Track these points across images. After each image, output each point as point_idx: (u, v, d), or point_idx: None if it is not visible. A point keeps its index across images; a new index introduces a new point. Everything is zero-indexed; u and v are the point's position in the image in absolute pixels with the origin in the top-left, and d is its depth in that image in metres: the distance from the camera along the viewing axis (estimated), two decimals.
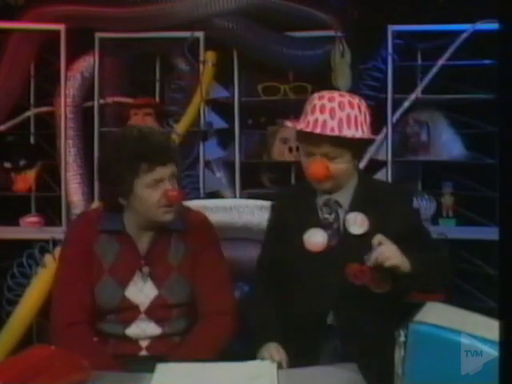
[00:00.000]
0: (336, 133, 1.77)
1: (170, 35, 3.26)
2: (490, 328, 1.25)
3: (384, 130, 3.18)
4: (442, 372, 1.25)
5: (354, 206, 1.87)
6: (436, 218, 3.25)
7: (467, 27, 3.07)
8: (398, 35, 3.16)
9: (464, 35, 3.07)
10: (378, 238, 1.68)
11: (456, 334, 1.25)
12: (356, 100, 1.82)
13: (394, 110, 3.16)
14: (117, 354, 1.88)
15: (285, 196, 2.06)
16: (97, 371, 1.61)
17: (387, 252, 1.66)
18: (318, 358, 1.81)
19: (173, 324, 1.91)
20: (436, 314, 1.36)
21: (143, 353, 1.89)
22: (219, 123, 3.33)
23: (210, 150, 3.34)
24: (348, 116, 1.78)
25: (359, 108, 1.81)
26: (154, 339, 1.90)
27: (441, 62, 3.12)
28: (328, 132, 1.77)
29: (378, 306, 1.81)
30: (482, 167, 3.11)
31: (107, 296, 1.89)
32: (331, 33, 3.16)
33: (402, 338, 1.28)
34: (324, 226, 1.86)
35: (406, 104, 3.18)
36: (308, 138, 1.81)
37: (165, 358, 1.78)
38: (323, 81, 3.14)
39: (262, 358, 1.75)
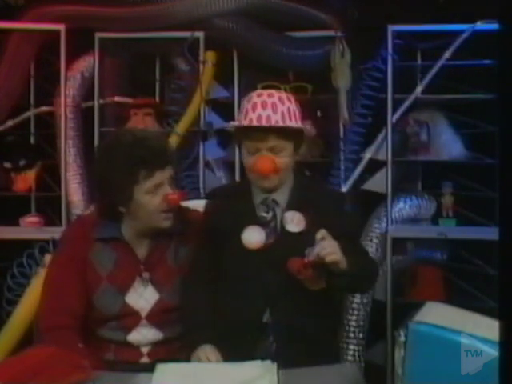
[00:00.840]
0: (281, 125, 1.81)
1: (170, 35, 3.25)
2: (490, 328, 1.25)
3: (384, 130, 3.18)
4: (442, 372, 1.25)
5: (291, 205, 1.90)
6: (436, 218, 3.25)
7: (467, 27, 3.06)
8: (398, 35, 3.15)
9: (464, 35, 3.07)
10: (322, 233, 1.72)
11: (456, 334, 1.25)
12: (290, 95, 1.90)
13: (394, 110, 3.16)
14: (118, 360, 1.88)
15: (219, 195, 2.06)
16: (97, 371, 1.62)
17: (329, 247, 1.70)
18: (253, 357, 1.78)
19: (174, 328, 1.91)
20: (436, 314, 1.36)
21: (144, 359, 1.90)
22: (219, 123, 3.33)
23: (209, 150, 3.33)
24: (288, 109, 1.85)
25: (294, 102, 1.88)
26: (155, 345, 1.90)
27: (441, 62, 3.12)
28: (273, 124, 1.81)
29: (313, 305, 1.84)
30: (482, 167, 3.11)
31: (107, 303, 1.88)
32: (331, 33, 3.15)
33: (402, 338, 1.28)
34: (261, 224, 1.87)
35: (406, 104, 3.18)
36: (252, 135, 1.83)
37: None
38: (323, 81, 3.14)
39: (199, 360, 1.76)
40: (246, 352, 1.81)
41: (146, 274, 1.90)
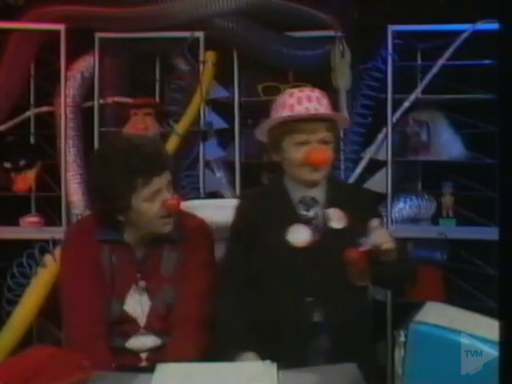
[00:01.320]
0: (332, 114, 1.90)
1: (170, 35, 3.25)
2: (490, 328, 1.25)
3: (384, 129, 3.18)
4: (442, 372, 1.25)
5: (330, 202, 1.92)
6: (436, 218, 3.25)
7: (467, 27, 3.06)
8: (398, 35, 3.15)
9: (464, 35, 3.07)
10: (375, 222, 1.73)
11: (456, 334, 1.25)
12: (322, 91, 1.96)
13: (394, 110, 3.16)
14: (118, 364, 1.87)
15: (253, 197, 2.05)
16: (97, 371, 1.62)
17: (384, 235, 1.72)
18: (306, 358, 1.81)
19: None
20: (436, 314, 1.36)
21: (143, 364, 1.89)
22: (219, 123, 3.33)
23: (209, 150, 3.33)
24: (328, 103, 1.92)
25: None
26: (155, 350, 1.89)
27: (441, 61, 3.12)
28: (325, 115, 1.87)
29: (357, 302, 1.89)
30: (482, 167, 3.11)
31: (109, 309, 1.88)
32: (331, 33, 3.16)
33: (402, 338, 1.28)
34: (305, 222, 1.89)
35: (406, 104, 3.18)
36: (302, 127, 1.85)
37: None
38: (323, 81, 3.14)
39: None
40: (297, 353, 1.82)
41: (142, 283, 1.89)
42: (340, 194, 1.95)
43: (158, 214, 1.81)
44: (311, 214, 1.90)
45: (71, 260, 1.93)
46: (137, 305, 1.89)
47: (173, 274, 1.91)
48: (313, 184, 1.92)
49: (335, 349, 1.84)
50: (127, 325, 1.88)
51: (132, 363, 1.88)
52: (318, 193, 1.93)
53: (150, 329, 1.89)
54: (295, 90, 1.92)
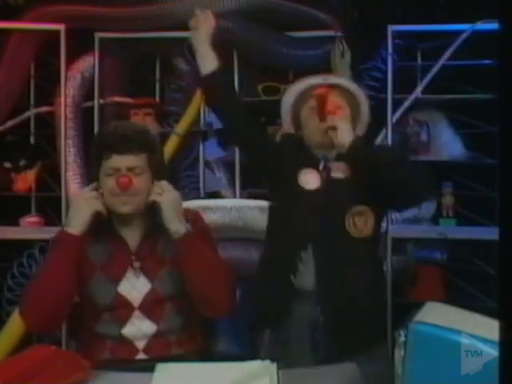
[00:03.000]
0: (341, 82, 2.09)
1: (170, 35, 3.25)
2: (490, 328, 1.25)
3: (384, 130, 3.18)
4: (442, 372, 1.25)
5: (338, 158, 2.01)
6: (436, 218, 3.25)
7: (467, 27, 3.07)
8: (397, 35, 3.15)
9: (464, 35, 3.07)
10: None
11: (456, 334, 1.25)
12: None
13: (394, 110, 3.16)
14: (114, 358, 1.88)
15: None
16: (97, 371, 1.62)
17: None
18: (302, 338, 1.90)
19: (168, 320, 1.91)
20: (436, 314, 1.36)
21: (141, 356, 1.88)
22: (219, 123, 3.33)
23: (209, 150, 3.34)
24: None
25: None
26: (151, 339, 1.89)
27: (441, 62, 3.12)
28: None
29: (356, 256, 1.93)
30: (481, 167, 3.11)
31: (100, 293, 1.89)
32: (331, 33, 3.16)
33: (402, 338, 1.28)
34: (315, 169, 2.00)
35: (406, 104, 3.18)
36: (315, 93, 2.00)
37: (162, 361, 1.77)
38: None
39: None
40: (291, 327, 1.92)
41: (136, 264, 1.91)
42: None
43: (113, 190, 1.85)
44: (321, 168, 2.00)
45: (48, 252, 2.02)
46: (132, 287, 1.89)
47: (173, 256, 1.91)
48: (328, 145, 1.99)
49: (327, 301, 1.89)
50: (122, 309, 1.89)
51: (129, 355, 1.88)
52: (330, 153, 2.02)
53: (144, 312, 1.89)
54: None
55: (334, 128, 1.92)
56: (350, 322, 1.88)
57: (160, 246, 1.94)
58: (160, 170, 1.92)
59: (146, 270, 1.91)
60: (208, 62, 2.06)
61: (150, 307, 1.89)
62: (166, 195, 1.86)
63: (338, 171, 1.97)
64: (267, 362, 1.69)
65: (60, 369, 1.53)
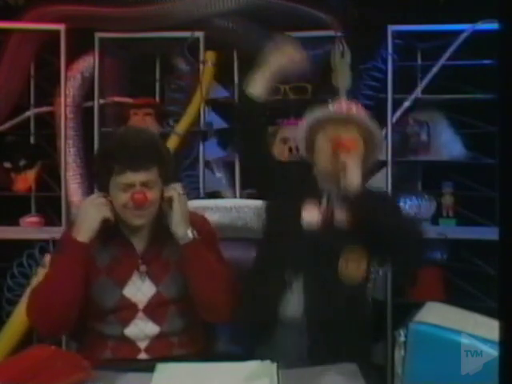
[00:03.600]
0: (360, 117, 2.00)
1: (170, 35, 3.25)
2: (490, 328, 1.25)
3: (384, 130, 3.18)
4: (442, 372, 1.25)
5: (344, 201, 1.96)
6: (436, 218, 3.25)
7: (467, 27, 3.07)
8: (397, 35, 3.16)
9: (464, 35, 3.07)
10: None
11: (456, 334, 1.25)
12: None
13: (394, 110, 3.16)
14: (116, 357, 1.88)
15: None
16: (97, 371, 1.62)
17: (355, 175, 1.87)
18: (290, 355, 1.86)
19: (170, 322, 1.92)
20: (436, 314, 1.36)
21: (142, 356, 1.89)
22: (219, 123, 3.33)
23: (209, 150, 3.33)
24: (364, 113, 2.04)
25: None
26: (153, 340, 1.90)
27: (441, 62, 3.12)
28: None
29: (347, 299, 1.89)
30: (481, 167, 3.11)
31: (104, 296, 1.90)
32: (331, 33, 3.15)
33: (402, 338, 1.28)
34: (318, 208, 1.96)
35: (406, 104, 3.18)
36: (335, 124, 1.97)
37: (163, 361, 1.78)
38: (323, 81, 3.14)
39: None
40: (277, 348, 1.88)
41: (143, 267, 1.91)
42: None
43: (126, 205, 1.85)
44: (323, 205, 1.96)
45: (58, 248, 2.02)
46: (137, 291, 1.90)
47: (179, 259, 1.92)
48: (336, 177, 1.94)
49: (316, 347, 1.86)
50: (126, 310, 1.89)
51: (130, 354, 1.89)
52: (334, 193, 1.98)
53: (148, 314, 1.90)
54: (344, 101, 2.09)
55: (344, 165, 1.89)
56: (337, 350, 1.85)
57: (166, 251, 1.95)
58: (169, 176, 1.93)
59: (152, 273, 1.92)
60: (261, 88, 2.01)
61: (153, 310, 1.90)
62: (176, 200, 1.87)
63: (341, 214, 1.93)
64: (267, 362, 1.69)
65: (60, 369, 1.53)
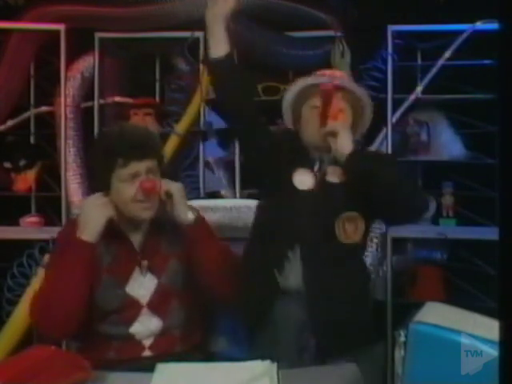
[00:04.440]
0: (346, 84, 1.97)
1: (170, 35, 3.26)
2: (490, 328, 1.25)
3: (384, 130, 3.18)
4: (442, 372, 1.25)
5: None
6: (436, 218, 3.25)
7: (467, 27, 3.07)
8: (397, 35, 3.16)
9: (464, 35, 3.07)
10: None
11: (456, 334, 1.25)
12: None
13: (394, 110, 3.16)
14: (120, 356, 1.89)
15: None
16: (97, 371, 1.62)
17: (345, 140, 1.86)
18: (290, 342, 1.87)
19: (173, 316, 1.93)
20: (436, 314, 1.36)
21: (146, 353, 1.90)
22: (219, 123, 3.33)
23: (209, 150, 3.34)
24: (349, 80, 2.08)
25: None
26: (157, 336, 1.91)
27: (441, 62, 3.12)
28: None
29: (344, 260, 1.89)
30: (481, 167, 3.11)
31: (109, 296, 1.89)
32: (331, 33, 3.16)
33: (402, 338, 1.28)
34: (310, 170, 1.96)
35: (406, 104, 3.18)
36: (318, 92, 1.94)
37: (166, 358, 1.79)
38: None
39: None
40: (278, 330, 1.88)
41: (144, 263, 1.92)
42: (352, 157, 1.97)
43: (135, 196, 1.85)
44: (316, 169, 1.96)
45: (55, 252, 1.99)
46: (140, 286, 1.91)
47: (177, 250, 1.95)
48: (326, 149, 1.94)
49: (317, 318, 1.86)
50: (130, 309, 1.90)
51: (135, 353, 1.90)
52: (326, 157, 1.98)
53: (152, 308, 1.91)
54: (326, 70, 2.06)
55: (334, 134, 1.88)
56: (337, 323, 1.86)
57: (163, 242, 1.97)
58: (163, 169, 1.96)
59: (153, 267, 1.93)
60: (220, 45, 1.94)
61: (157, 303, 1.91)
62: (174, 185, 1.91)
63: (334, 175, 1.94)
64: (267, 362, 1.69)
65: (60, 369, 1.53)
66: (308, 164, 1.96)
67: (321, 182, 1.93)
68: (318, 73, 2.02)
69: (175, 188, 1.90)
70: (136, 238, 1.95)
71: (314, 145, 1.96)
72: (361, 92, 1.98)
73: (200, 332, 2.02)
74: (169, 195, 1.90)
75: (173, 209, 1.90)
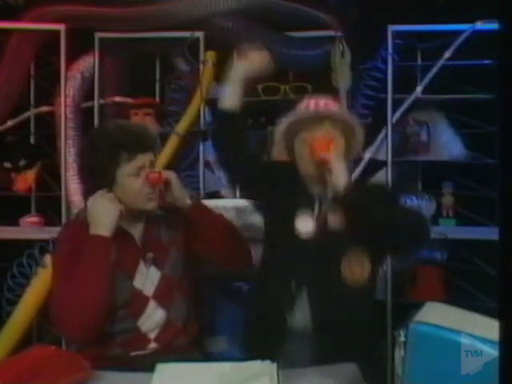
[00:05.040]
0: (335, 111, 1.96)
1: (170, 35, 3.26)
2: (490, 328, 1.25)
3: (384, 130, 3.18)
4: (442, 372, 1.25)
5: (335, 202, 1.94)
6: (436, 218, 3.25)
7: (467, 27, 3.07)
8: (397, 35, 3.16)
9: (464, 35, 3.07)
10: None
11: (456, 334, 1.25)
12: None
13: (394, 110, 3.16)
14: (126, 351, 1.90)
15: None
16: (97, 371, 1.62)
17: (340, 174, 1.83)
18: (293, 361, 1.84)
19: (176, 307, 1.97)
20: (436, 314, 1.36)
21: (152, 345, 1.93)
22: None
23: (210, 150, 3.33)
24: (336, 107, 2.01)
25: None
26: (162, 328, 1.94)
27: (441, 62, 3.12)
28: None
29: (351, 302, 1.87)
30: (481, 167, 3.11)
31: (117, 291, 1.89)
32: (331, 33, 3.16)
33: (402, 338, 1.28)
34: (311, 215, 1.95)
35: (406, 104, 3.18)
36: (307, 125, 1.93)
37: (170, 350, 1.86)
38: (323, 81, 3.14)
39: None
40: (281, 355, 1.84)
41: (150, 255, 1.95)
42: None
43: (142, 189, 1.89)
44: (316, 212, 1.95)
45: (57, 253, 1.98)
46: (145, 279, 1.93)
47: (174, 239, 2.00)
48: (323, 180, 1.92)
49: (322, 350, 1.85)
50: (137, 303, 1.91)
51: (140, 346, 1.91)
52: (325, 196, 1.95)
53: (158, 300, 1.93)
54: (311, 98, 2.01)
55: (327, 167, 1.85)
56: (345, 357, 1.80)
57: (162, 234, 2.00)
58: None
59: (156, 259, 1.96)
60: (234, 99, 1.99)
61: (161, 295, 1.94)
62: (170, 173, 1.98)
63: (335, 220, 1.92)
64: (267, 362, 1.69)
65: (60, 369, 1.53)
66: (308, 204, 1.95)
67: (322, 227, 1.92)
68: (303, 102, 1.99)
69: (172, 176, 1.97)
70: (136, 232, 1.97)
71: (310, 177, 1.96)
72: (349, 117, 1.97)
73: (197, 326, 2.06)
74: (167, 183, 1.95)
75: (172, 195, 1.96)
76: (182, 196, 1.98)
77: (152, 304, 1.93)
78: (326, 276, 1.87)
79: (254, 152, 2.14)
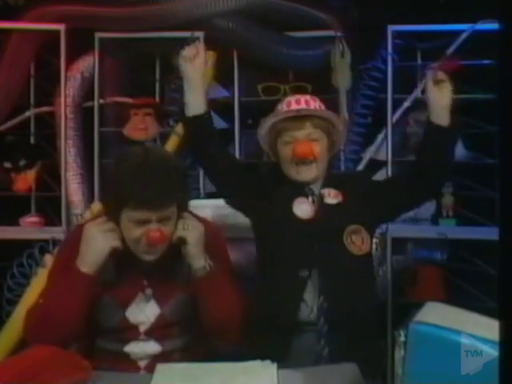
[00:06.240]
0: (317, 110, 1.98)
1: (170, 35, 3.25)
2: (490, 328, 1.25)
3: (384, 129, 3.18)
4: (442, 372, 1.25)
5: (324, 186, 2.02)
6: (436, 218, 3.24)
7: (467, 27, 3.07)
8: (397, 35, 3.15)
9: (464, 35, 3.07)
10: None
11: (456, 334, 1.25)
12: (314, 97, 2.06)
13: (394, 110, 3.16)
14: (114, 370, 1.80)
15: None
16: (97, 371, 1.62)
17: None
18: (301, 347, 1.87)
19: (173, 341, 1.88)
20: (436, 314, 1.36)
21: (142, 372, 1.84)
22: (219, 123, 3.33)
23: None
24: (319, 105, 2.02)
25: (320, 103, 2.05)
26: (154, 358, 1.84)
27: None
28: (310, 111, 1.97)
29: (354, 272, 1.93)
30: (481, 167, 3.11)
31: (106, 316, 1.84)
32: (331, 33, 3.15)
33: (402, 338, 1.28)
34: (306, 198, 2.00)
35: (406, 104, 3.18)
36: (288, 126, 1.96)
37: None
38: (323, 81, 3.13)
39: None
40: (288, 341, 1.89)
41: (149, 291, 1.84)
42: (337, 181, 2.05)
43: (139, 240, 1.74)
44: (309, 198, 1.99)
45: (59, 253, 1.96)
46: (140, 312, 1.84)
47: (187, 280, 1.85)
48: (306, 183, 2.00)
49: (332, 331, 1.86)
50: (128, 331, 1.84)
51: (128, 371, 1.82)
52: (316, 187, 2.02)
53: (150, 335, 1.85)
54: (291, 97, 2.04)
55: (309, 166, 1.95)
56: (355, 351, 1.83)
57: (174, 272, 1.87)
58: (185, 204, 1.82)
59: (158, 295, 1.85)
60: (198, 103, 1.96)
61: (156, 331, 1.85)
62: (192, 231, 1.78)
63: (330, 197, 1.98)
64: (267, 362, 1.69)
65: (60, 369, 1.53)
66: (302, 193, 1.99)
67: (319, 206, 1.97)
68: (284, 102, 2.01)
69: (191, 237, 1.77)
70: (146, 259, 1.80)
71: (291, 179, 1.99)
72: (328, 113, 2.00)
73: (201, 352, 1.93)
74: (182, 241, 1.78)
75: (186, 255, 1.80)
76: (196, 262, 1.79)
77: (143, 337, 1.84)
78: (333, 252, 1.91)
79: (228, 158, 2.12)
